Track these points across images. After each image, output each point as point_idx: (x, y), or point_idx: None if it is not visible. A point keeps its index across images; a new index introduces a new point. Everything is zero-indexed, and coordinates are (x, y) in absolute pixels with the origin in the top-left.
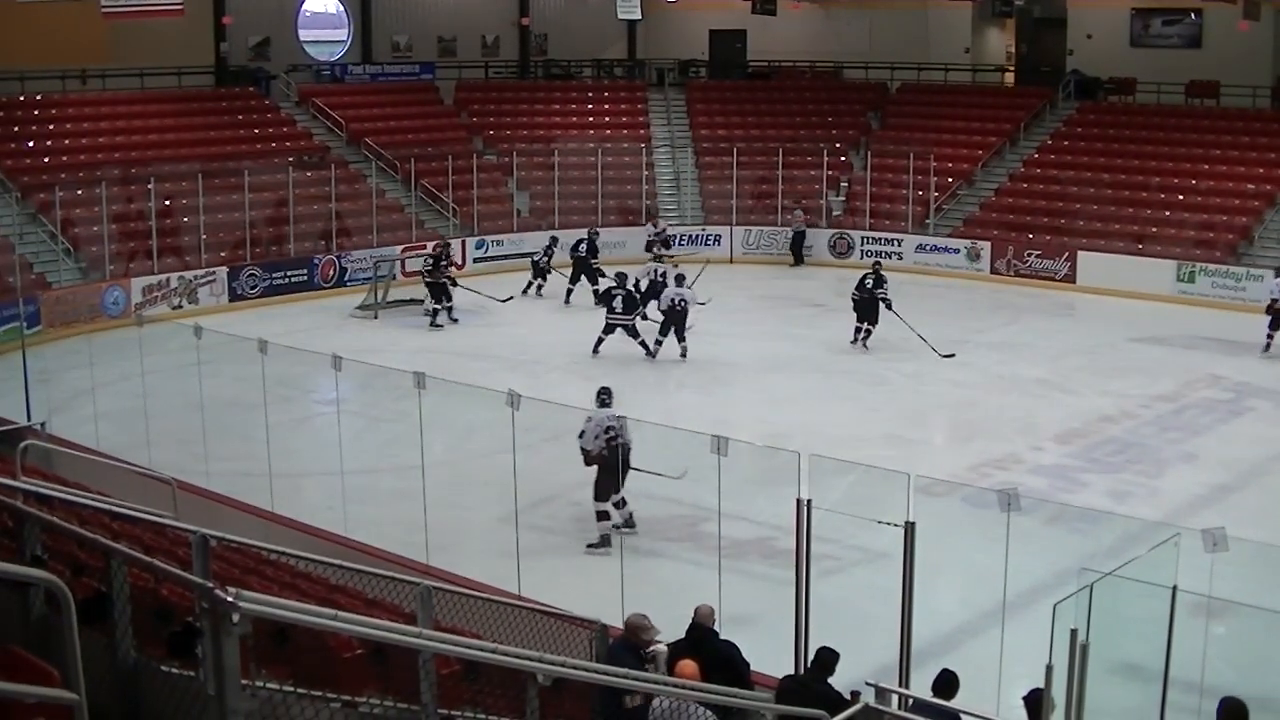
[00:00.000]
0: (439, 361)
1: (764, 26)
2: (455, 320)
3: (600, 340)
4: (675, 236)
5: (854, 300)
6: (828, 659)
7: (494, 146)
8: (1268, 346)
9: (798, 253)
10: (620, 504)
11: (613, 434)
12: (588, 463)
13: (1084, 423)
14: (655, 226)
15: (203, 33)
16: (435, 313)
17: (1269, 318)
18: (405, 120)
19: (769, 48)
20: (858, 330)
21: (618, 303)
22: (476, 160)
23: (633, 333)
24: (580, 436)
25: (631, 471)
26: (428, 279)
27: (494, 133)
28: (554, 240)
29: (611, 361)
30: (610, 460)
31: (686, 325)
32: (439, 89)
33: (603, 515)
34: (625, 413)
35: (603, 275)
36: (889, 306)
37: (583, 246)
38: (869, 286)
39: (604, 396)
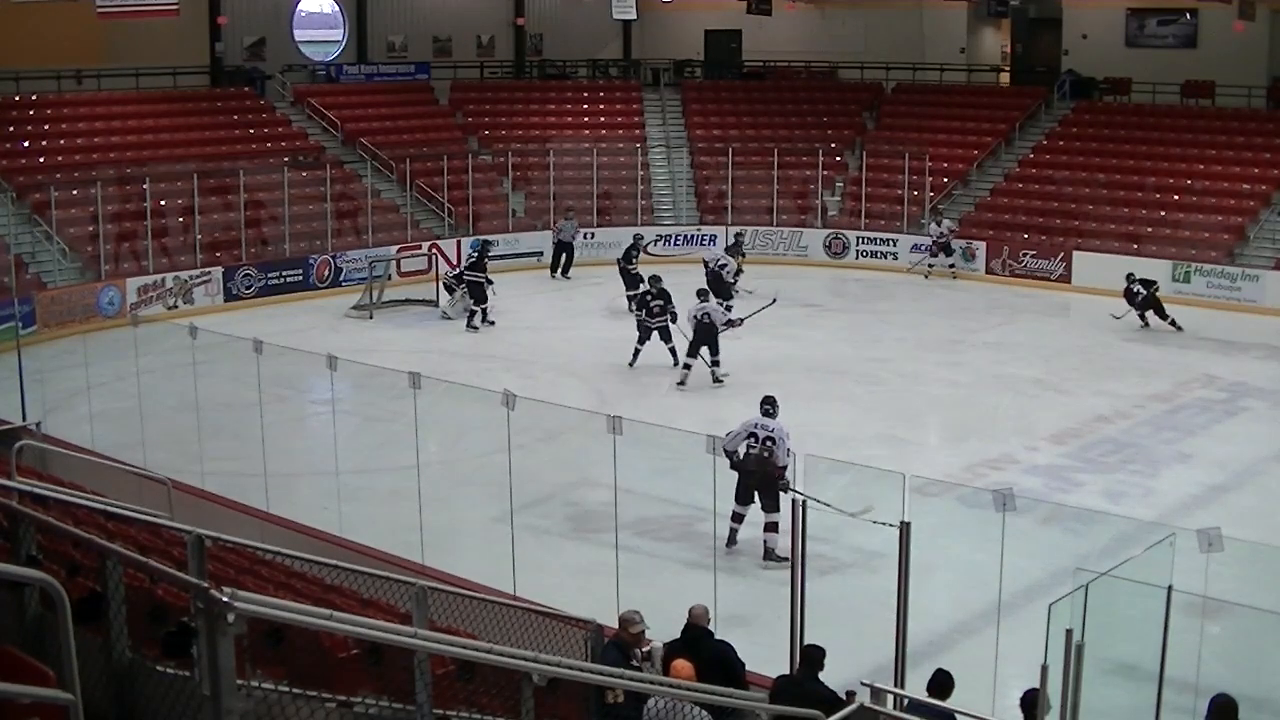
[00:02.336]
0: (434, 361)
1: (759, 26)
2: (477, 327)
3: (672, 350)
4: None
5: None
6: (815, 655)
7: (489, 146)
8: None
9: (556, 262)
10: (738, 518)
11: (752, 442)
12: (731, 466)
13: (1079, 423)
14: (938, 226)
15: (198, 33)
16: (473, 314)
17: None
18: (400, 120)
19: (764, 48)
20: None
21: (655, 305)
22: (472, 160)
23: (664, 336)
24: (725, 435)
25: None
26: (468, 277)
27: (489, 133)
28: (638, 238)
29: (609, 363)
30: (744, 466)
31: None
32: (434, 89)
33: (735, 516)
34: (620, 413)
35: (641, 280)
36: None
37: (631, 254)
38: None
39: (765, 405)
